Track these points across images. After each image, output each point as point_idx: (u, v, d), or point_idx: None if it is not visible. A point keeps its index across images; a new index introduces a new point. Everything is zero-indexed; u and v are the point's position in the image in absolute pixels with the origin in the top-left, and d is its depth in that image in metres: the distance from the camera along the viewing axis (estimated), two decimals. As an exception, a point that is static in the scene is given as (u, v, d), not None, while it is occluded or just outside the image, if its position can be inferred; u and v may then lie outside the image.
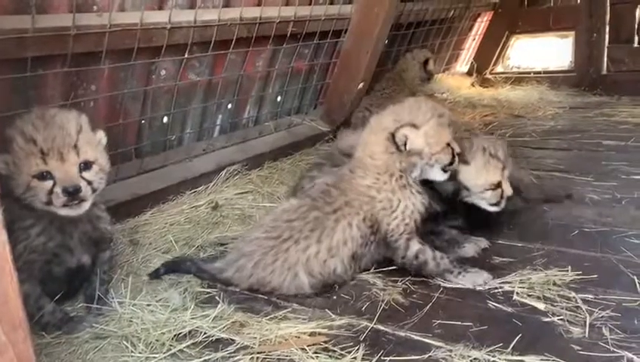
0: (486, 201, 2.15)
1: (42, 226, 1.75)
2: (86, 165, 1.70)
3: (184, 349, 1.62)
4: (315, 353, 1.56)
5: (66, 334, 1.74)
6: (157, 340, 1.65)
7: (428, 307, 1.79)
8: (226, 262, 2.02)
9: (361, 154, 2.03)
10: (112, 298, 1.89)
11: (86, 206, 1.70)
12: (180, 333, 1.69)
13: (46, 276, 1.81)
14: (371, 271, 2.05)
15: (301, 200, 2.03)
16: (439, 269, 1.93)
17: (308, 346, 1.59)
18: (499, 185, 2.11)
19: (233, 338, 1.66)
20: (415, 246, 1.94)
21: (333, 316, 1.76)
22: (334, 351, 1.57)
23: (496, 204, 2.15)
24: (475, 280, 1.90)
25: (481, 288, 1.88)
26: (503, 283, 1.89)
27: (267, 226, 1.99)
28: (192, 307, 1.82)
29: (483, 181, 2.12)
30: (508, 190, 2.12)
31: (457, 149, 1.99)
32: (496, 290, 1.86)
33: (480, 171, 2.12)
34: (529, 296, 1.79)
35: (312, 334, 1.66)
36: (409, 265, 1.96)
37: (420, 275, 1.97)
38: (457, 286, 1.91)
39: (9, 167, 1.65)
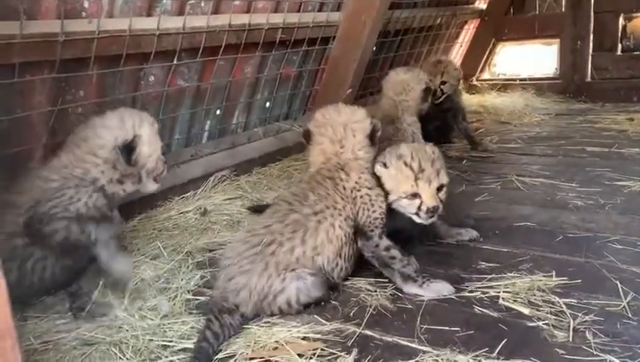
0: (404, 210, 2.05)
1: (101, 194, 1.95)
2: None
3: (174, 356, 1.62)
4: (306, 358, 1.57)
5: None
6: (146, 347, 1.65)
7: (415, 312, 1.80)
8: (220, 289, 1.86)
9: (347, 155, 2.09)
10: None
11: None
12: (170, 340, 1.69)
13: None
14: (359, 276, 2.06)
15: (275, 206, 2.04)
16: (405, 271, 1.94)
17: (307, 351, 1.59)
18: (415, 195, 2.01)
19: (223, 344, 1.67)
20: (387, 241, 2.01)
21: (323, 321, 1.77)
22: (323, 356, 1.58)
23: (417, 215, 2.03)
24: (440, 290, 1.90)
25: (452, 296, 1.89)
26: (488, 288, 1.91)
27: (244, 238, 1.93)
28: (183, 313, 1.82)
29: (395, 188, 2.05)
30: (428, 202, 1.99)
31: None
32: (482, 295, 1.88)
33: (392, 178, 2.06)
34: (514, 300, 1.81)
35: (304, 339, 1.67)
36: (378, 257, 1.99)
37: (383, 276, 2.00)
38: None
39: None
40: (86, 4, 2.43)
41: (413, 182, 2.01)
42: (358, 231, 2.02)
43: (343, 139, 2.09)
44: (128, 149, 1.92)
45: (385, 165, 2.08)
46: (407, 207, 2.04)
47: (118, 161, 1.91)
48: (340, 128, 2.10)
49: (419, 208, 2.02)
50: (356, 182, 2.04)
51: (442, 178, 2.04)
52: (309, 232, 1.90)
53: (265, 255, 1.85)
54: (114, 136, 1.91)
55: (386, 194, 2.09)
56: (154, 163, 2.01)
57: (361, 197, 2.02)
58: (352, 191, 2.03)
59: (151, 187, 2.06)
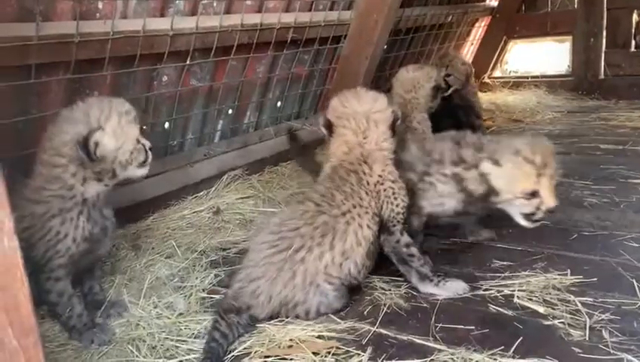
0: (517, 210, 1.97)
1: (86, 214, 1.78)
2: None
3: (189, 354, 1.64)
4: (321, 356, 1.58)
5: (87, 343, 1.72)
6: (162, 345, 1.67)
7: (429, 311, 1.80)
8: (235, 288, 1.84)
9: (371, 146, 2.01)
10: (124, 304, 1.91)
11: None
12: (186, 338, 1.71)
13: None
14: (373, 275, 2.05)
15: (302, 206, 1.96)
16: (422, 270, 1.93)
17: (322, 349, 1.60)
18: (534, 194, 1.91)
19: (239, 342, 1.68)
20: (408, 238, 1.98)
21: (337, 320, 1.78)
22: (338, 354, 1.59)
23: (530, 218, 1.95)
24: (456, 289, 1.90)
25: (466, 294, 1.89)
26: (503, 286, 1.91)
27: (272, 241, 1.86)
28: (198, 311, 1.83)
29: (510, 187, 1.94)
30: (548, 201, 1.89)
31: None
32: (497, 294, 1.87)
33: (507, 176, 1.93)
34: (529, 299, 1.81)
35: (318, 337, 1.68)
36: (397, 253, 1.96)
37: (397, 274, 1.99)
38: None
39: None
40: (100, 5, 2.45)
41: (536, 179, 1.89)
42: (381, 226, 1.97)
43: (366, 130, 2.00)
44: (86, 144, 1.68)
45: (497, 162, 1.95)
46: (523, 208, 1.92)
47: (81, 157, 1.69)
48: (363, 120, 2.00)
49: (537, 208, 1.90)
50: (380, 175, 1.97)
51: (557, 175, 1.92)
52: (337, 236, 1.84)
53: (293, 262, 1.80)
54: (77, 130, 1.69)
55: (488, 194, 1.99)
56: (126, 155, 1.76)
57: (385, 190, 1.96)
58: (375, 186, 1.96)
59: (138, 173, 1.85)
